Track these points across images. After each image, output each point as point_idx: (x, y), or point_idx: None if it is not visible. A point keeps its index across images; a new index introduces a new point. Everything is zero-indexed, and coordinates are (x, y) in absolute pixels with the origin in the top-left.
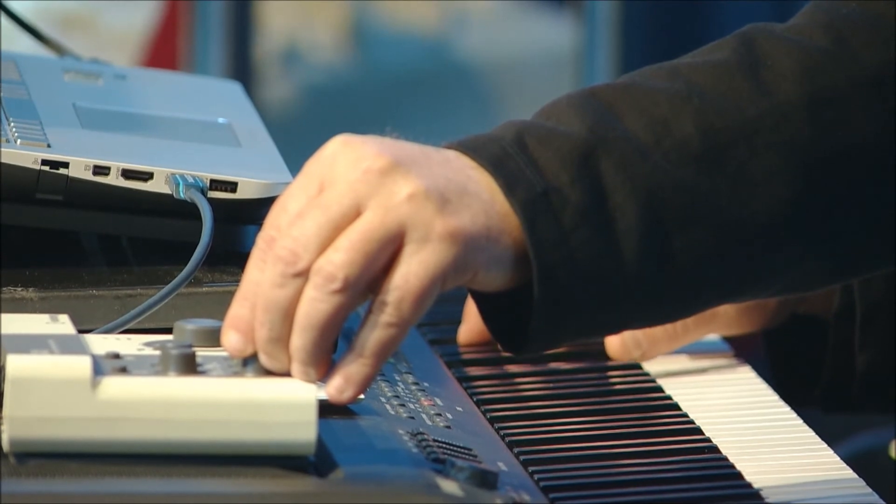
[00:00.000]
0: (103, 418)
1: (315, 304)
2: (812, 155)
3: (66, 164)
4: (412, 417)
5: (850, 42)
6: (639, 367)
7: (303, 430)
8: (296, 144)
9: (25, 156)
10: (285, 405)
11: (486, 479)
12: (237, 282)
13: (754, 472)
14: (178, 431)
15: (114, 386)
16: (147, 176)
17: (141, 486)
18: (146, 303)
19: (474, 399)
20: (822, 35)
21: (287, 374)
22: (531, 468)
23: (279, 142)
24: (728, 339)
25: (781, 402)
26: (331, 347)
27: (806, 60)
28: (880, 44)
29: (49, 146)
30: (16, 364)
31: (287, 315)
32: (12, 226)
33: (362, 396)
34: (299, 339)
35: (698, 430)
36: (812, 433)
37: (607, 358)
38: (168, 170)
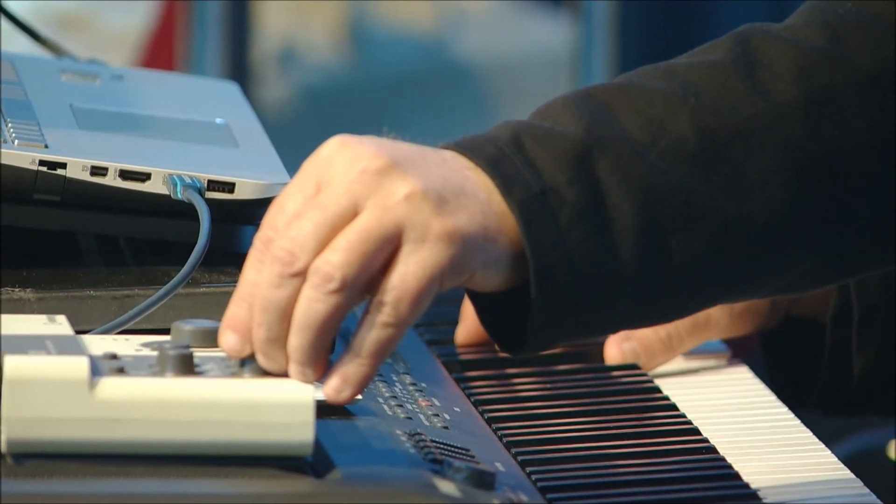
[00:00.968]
0: (101, 419)
1: (312, 304)
2: (808, 155)
3: (63, 165)
4: (410, 418)
5: (847, 42)
6: (636, 367)
7: (300, 431)
8: (293, 145)
9: (23, 156)
10: (282, 406)
11: (483, 480)
12: (235, 282)
13: (752, 472)
14: (175, 432)
15: (111, 387)
16: (144, 177)
17: (139, 487)
18: (144, 303)
19: (472, 399)
20: (818, 35)
21: (285, 374)
22: (529, 469)
23: (276, 142)
24: (724, 340)
25: (779, 403)
26: (328, 348)
27: (802, 60)
28: (876, 43)
29: (46, 147)
30: (13, 365)
31: (284, 315)
32: (10, 226)
33: (360, 397)
34: (297, 340)
35: (696, 431)
36: (810, 433)
37: (605, 358)
38: (165, 170)
